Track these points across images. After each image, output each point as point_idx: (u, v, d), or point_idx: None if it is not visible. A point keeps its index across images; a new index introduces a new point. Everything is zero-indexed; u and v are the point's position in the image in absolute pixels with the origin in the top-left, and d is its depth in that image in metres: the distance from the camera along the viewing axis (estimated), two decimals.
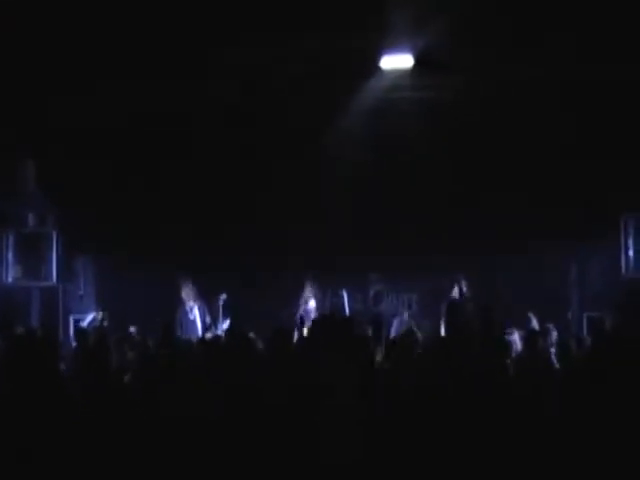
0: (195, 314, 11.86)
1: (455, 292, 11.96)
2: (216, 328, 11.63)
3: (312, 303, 12.31)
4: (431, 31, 10.19)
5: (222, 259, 12.84)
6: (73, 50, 10.27)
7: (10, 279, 11.61)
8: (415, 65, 11.40)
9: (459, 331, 7.84)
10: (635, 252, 11.69)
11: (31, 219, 12.06)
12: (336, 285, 12.89)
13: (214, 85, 11.53)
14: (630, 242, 11.73)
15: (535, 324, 10.68)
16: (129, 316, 11.35)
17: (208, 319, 11.88)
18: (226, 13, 9.77)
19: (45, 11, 9.54)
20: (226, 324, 11.49)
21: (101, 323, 11.65)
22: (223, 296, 11.80)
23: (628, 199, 11.61)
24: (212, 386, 6.01)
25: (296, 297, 12.27)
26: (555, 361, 8.01)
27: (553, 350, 8.57)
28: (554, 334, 9.74)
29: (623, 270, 11.77)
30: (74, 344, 9.86)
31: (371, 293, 12.85)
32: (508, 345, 7.74)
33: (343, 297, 12.47)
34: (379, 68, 11.71)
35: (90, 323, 11.78)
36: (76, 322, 11.99)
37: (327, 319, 6.70)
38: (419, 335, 9.45)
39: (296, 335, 8.45)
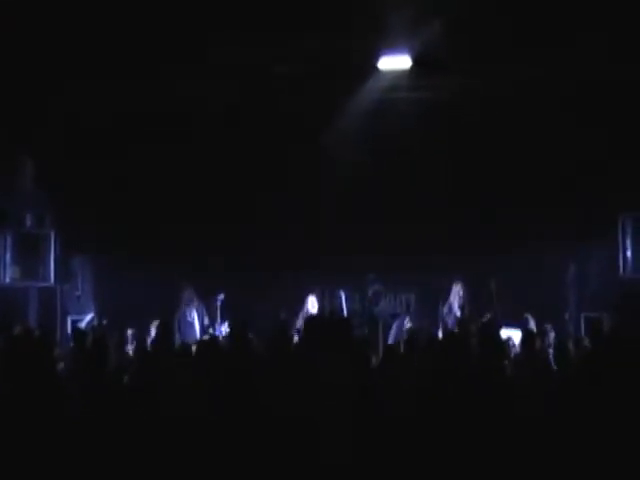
0: (194, 317, 11.84)
1: (453, 296, 11.96)
2: (214, 330, 11.62)
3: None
4: (429, 32, 10.18)
5: (222, 259, 12.84)
6: (72, 50, 10.25)
7: (8, 279, 11.58)
8: (413, 66, 11.39)
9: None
10: (633, 252, 11.67)
11: (29, 219, 12.05)
12: (335, 285, 12.90)
13: (214, 85, 11.52)
14: (628, 242, 11.70)
15: (533, 325, 10.69)
16: (128, 316, 11.34)
17: (207, 320, 11.86)
18: (226, 13, 9.76)
19: (45, 10, 9.53)
20: (225, 327, 11.46)
21: (100, 323, 11.64)
22: (221, 296, 11.78)
23: (626, 199, 11.61)
24: (211, 386, 6.01)
25: (297, 305, 12.19)
26: (553, 362, 8.01)
27: (551, 351, 8.57)
28: (552, 335, 9.76)
29: (621, 270, 11.76)
30: (72, 344, 9.84)
31: (369, 293, 12.83)
32: (505, 346, 7.74)
33: (341, 297, 12.47)
34: (377, 69, 11.70)
35: (88, 324, 11.78)
36: (74, 323, 11.98)
37: (322, 320, 6.70)
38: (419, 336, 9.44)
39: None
